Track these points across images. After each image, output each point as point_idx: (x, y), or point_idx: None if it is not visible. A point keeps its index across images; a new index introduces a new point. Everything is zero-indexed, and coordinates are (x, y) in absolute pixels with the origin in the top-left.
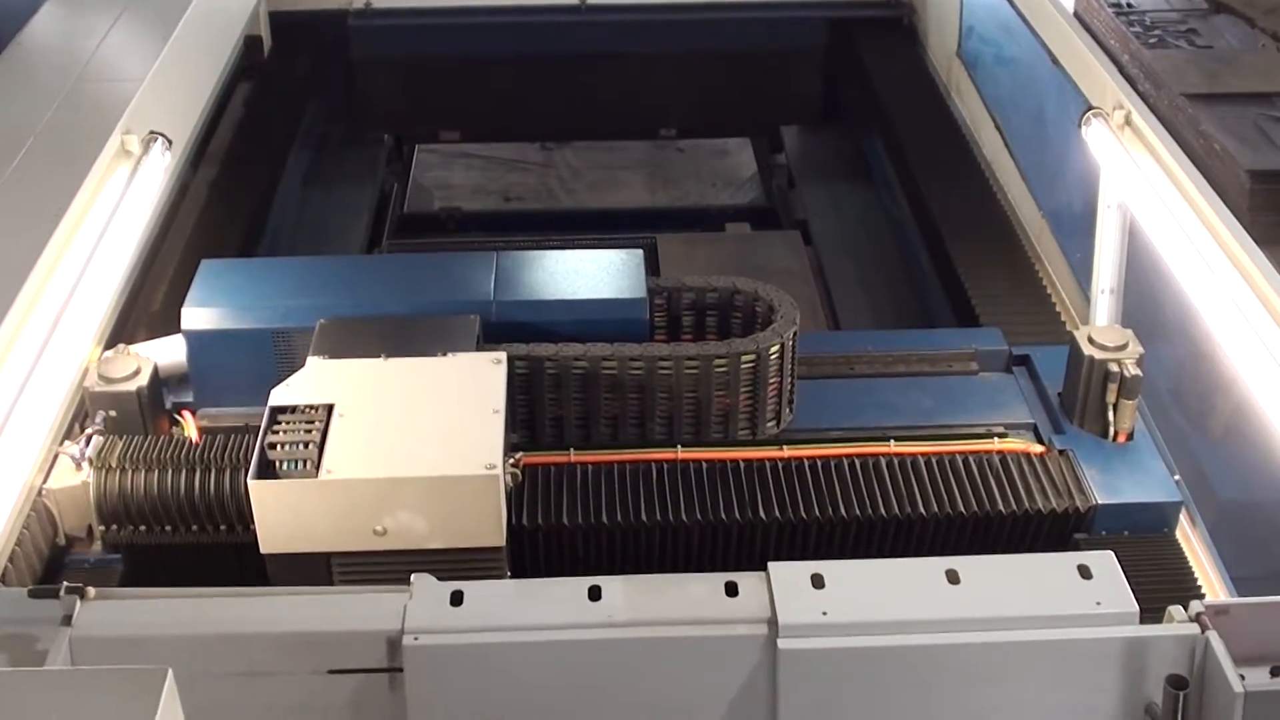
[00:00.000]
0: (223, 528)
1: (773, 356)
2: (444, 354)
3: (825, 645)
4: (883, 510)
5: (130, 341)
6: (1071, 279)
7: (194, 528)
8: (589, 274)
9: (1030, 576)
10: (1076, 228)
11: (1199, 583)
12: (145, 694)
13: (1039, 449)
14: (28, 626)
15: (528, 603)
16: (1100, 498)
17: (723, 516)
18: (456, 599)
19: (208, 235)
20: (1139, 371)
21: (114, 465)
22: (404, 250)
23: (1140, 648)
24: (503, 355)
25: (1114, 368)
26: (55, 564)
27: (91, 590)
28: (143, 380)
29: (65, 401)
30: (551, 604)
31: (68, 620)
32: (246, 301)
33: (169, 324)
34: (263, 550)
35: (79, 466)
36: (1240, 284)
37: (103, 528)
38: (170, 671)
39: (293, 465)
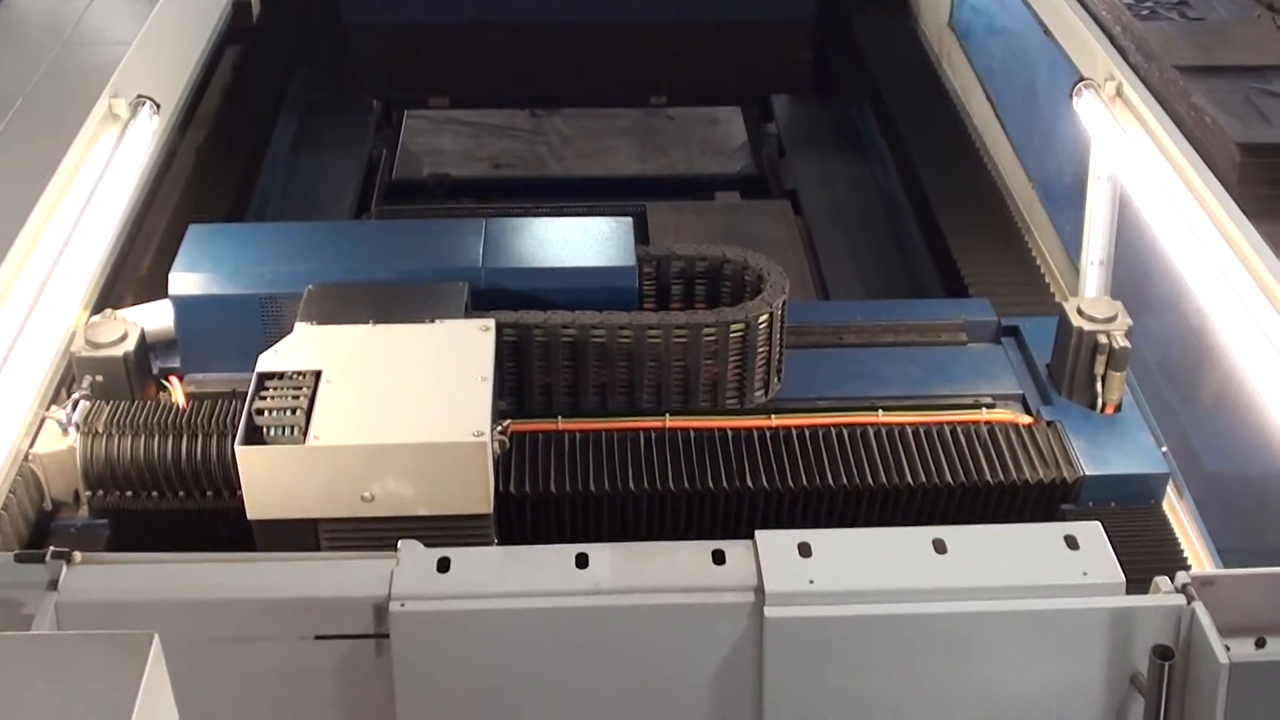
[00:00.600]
0: (209, 493)
1: (761, 326)
2: (432, 321)
3: (812, 613)
4: (870, 480)
5: (117, 306)
6: (1061, 250)
7: (181, 493)
8: (578, 242)
9: (1017, 546)
10: (1067, 199)
11: (1185, 554)
12: (131, 659)
13: (1027, 420)
14: (13, 591)
15: (515, 570)
16: (1088, 469)
17: (710, 485)
18: (443, 565)
19: (195, 200)
20: (1128, 343)
21: (101, 430)
22: (392, 217)
23: (1126, 618)
24: (491, 322)
25: (1103, 339)
26: (41, 529)
27: (78, 555)
28: (130, 345)
29: (52, 366)
30: (538, 571)
31: (54, 585)
32: (234, 267)
33: (156, 289)
34: (250, 516)
35: (65, 431)
36: (1230, 257)
37: (89, 493)
38: (156, 637)
39: (280, 431)
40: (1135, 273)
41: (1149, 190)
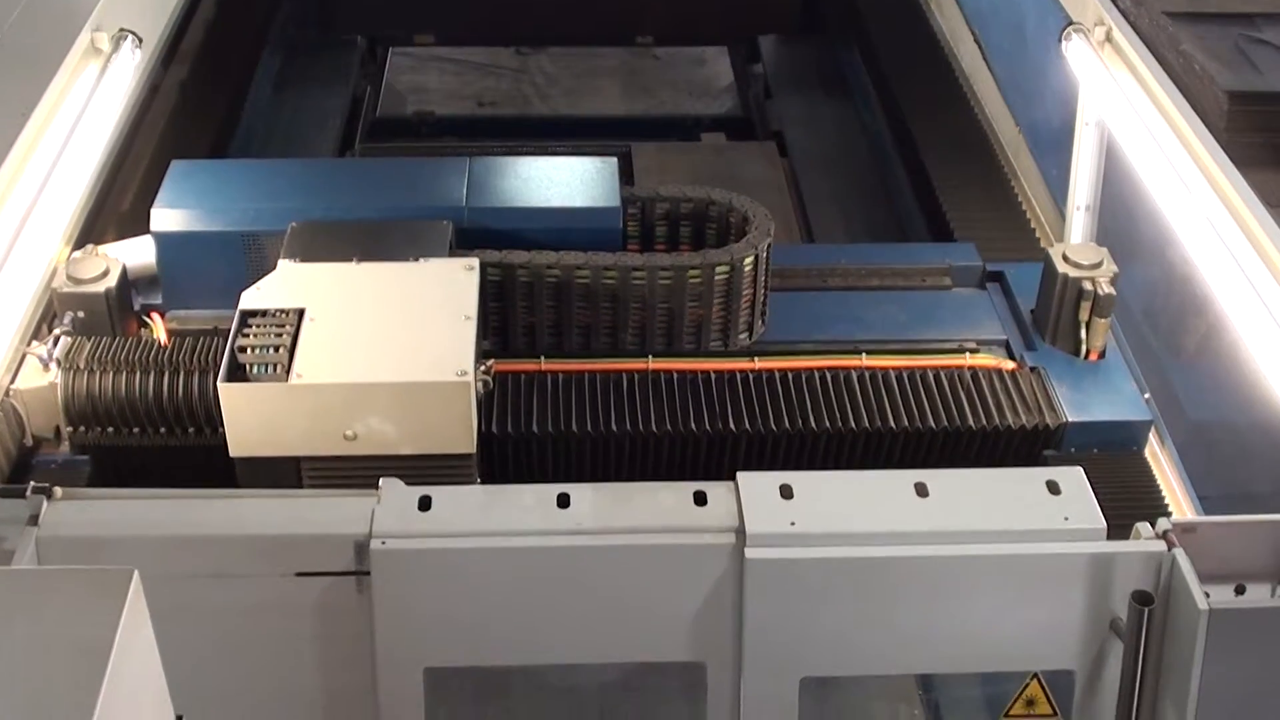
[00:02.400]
0: (191, 430)
1: (746, 268)
2: (416, 259)
3: (792, 555)
4: (853, 423)
5: (99, 242)
6: (1047, 196)
7: (162, 430)
8: (563, 182)
9: (999, 491)
10: (1054, 145)
11: (1166, 501)
12: (111, 594)
13: (1010, 365)
14: None
15: (496, 509)
16: (1070, 415)
17: (693, 427)
18: (424, 504)
19: (178, 136)
20: (1112, 290)
21: (82, 366)
22: (377, 154)
23: (1107, 563)
24: (475, 262)
25: (1088, 286)
26: (23, 464)
27: (59, 490)
28: (111, 281)
29: (33, 302)
30: (520, 511)
31: (34, 520)
32: (217, 203)
33: (138, 225)
34: (232, 453)
35: (47, 367)
36: (1216, 205)
37: (70, 429)
38: (136, 572)
39: (263, 369)
40: (1121, 219)
41: (1136, 137)
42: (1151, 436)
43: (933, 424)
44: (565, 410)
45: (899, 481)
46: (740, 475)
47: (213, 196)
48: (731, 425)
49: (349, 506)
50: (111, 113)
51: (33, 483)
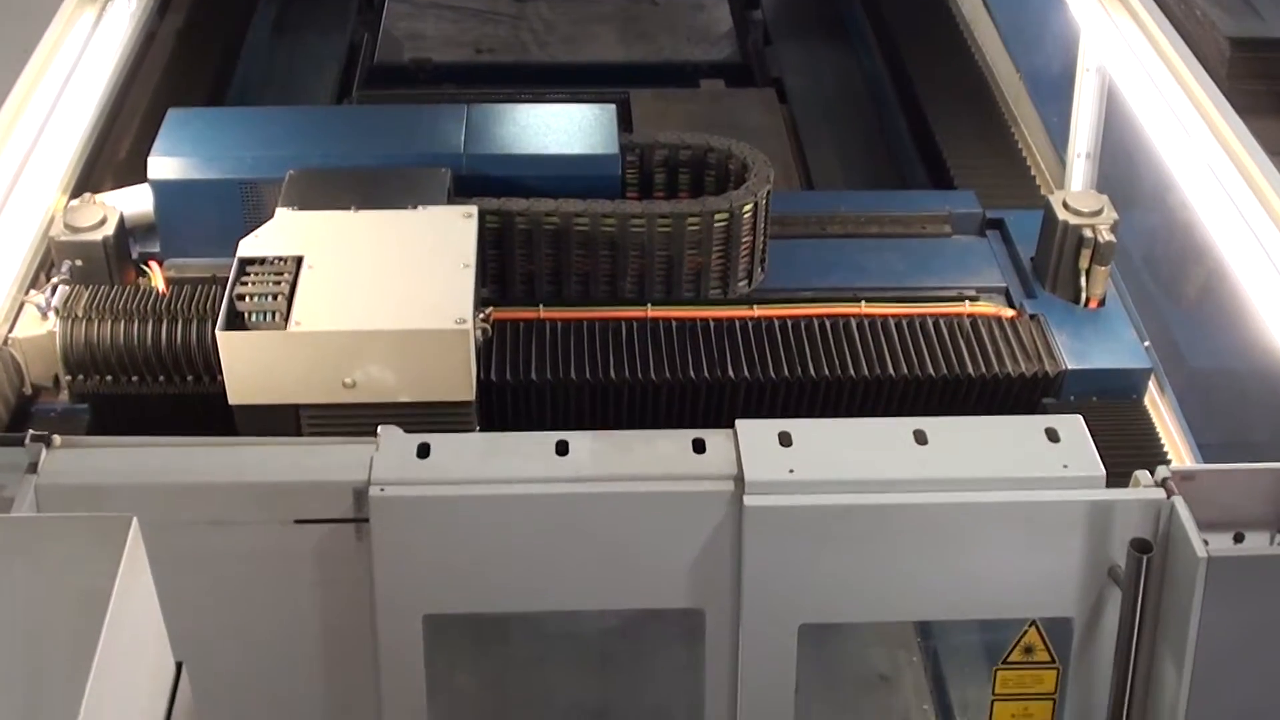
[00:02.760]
0: (190, 379)
1: (746, 215)
2: (414, 207)
3: (791, 502)
4: (852, 371)
5: (97, 190)
6: (1048, 143)
7: (161, 378)
8: (561, 129)
9: (998, 438)
10: (1054, 91)
11: (1165, 449)
12: (110, 541)
13: (1010, 313)
14: None
15: (494, 456)
16: (1070, 363)
17: (692, 375)
18: (423, 451)
19: (175, 84)
20: (1113, 237)
21: (80, 315)
22: (374, 102)
23: (1105, 511)
24: (474, 209)
25: (1088, 233)
26: (22, 413)
27: (57, 439)
28: (109, 230)
29: (31, 250)
30: (518, 458)
31: (33, 468)
32: (214, 151)
33: (136, 173)
34: (231, 401)
35: (45, 316)
36: (1217, 152)
37: (69, 377)
38: (135, 519)
39: (261, 317)
40: (1122, 166)
41: (1138, 84)
42: (1151, 384)
43: (932, 371)
44: (564, 358)
45: (898, 429)
46: (739, 423)
47: (210, 144)
48: (730, 373)
49: (348, 454)
50: (108, 60)
51: (31, 431)
